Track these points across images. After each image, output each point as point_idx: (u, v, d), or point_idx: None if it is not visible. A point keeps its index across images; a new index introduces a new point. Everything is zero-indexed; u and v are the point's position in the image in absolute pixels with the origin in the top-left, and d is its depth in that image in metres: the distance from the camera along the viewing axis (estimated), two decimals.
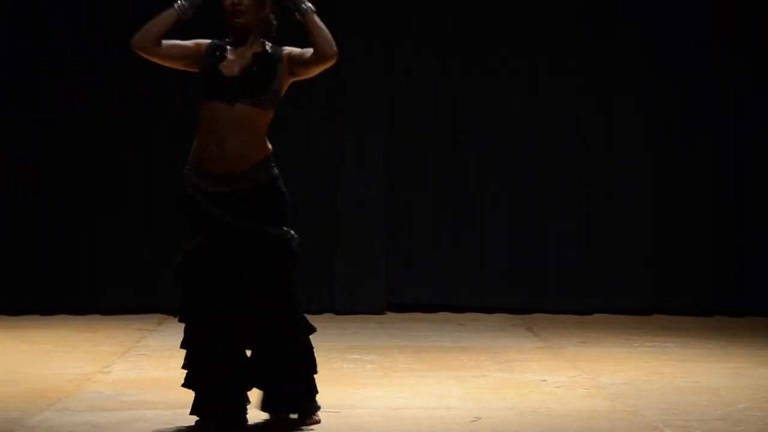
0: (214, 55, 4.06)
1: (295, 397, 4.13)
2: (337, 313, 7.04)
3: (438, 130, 7.23)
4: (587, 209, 7.18)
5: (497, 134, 7.20)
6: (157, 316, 6.81)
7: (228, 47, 4.10)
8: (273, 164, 4.10)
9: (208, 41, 4.13)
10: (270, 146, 4.12)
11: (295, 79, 4.12)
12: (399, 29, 7.19)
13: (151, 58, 4.11)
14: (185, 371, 4.11)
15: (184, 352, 4.13)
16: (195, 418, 4.10)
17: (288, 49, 4.12)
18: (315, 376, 4.18)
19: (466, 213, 7.18)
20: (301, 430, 4.07)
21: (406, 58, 7.21)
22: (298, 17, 4.03)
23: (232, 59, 4.07)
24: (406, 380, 5.06)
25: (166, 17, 4.06)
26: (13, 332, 6.32)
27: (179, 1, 4.06)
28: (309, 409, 4.15)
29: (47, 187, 6.98)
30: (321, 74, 4.15)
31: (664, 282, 7.15)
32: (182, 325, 4.14)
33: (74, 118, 7.04)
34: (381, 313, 7.07)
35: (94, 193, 6.99)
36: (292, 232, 4.06)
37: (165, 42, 4.09)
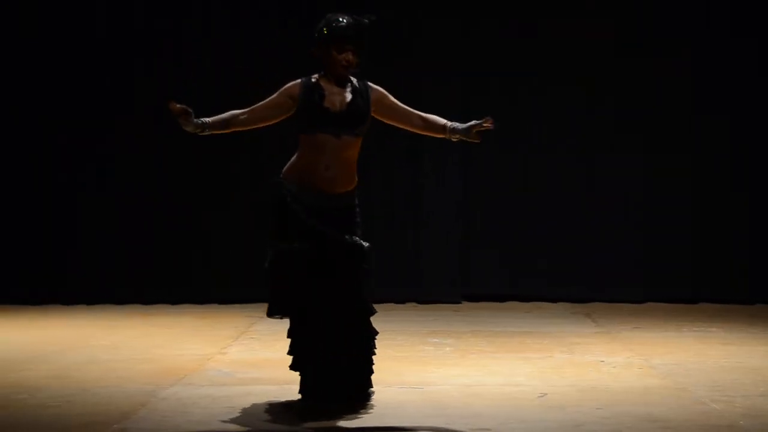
0: (314, 93, 3.95)
1: (360, 382, 4.03)
2: (420, 302, 7.01)
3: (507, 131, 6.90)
4: (641, 208, 6.98)
5: (558, 137, 7.00)
6: (265, 305, 6.81)
7: (321, 84, 3.97)
8: (356, 194, 4.06)
9: (298, 83, 3.98)
10: (356, 178, 4.07)
11: (374, 116, 4.05)
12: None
13: (249, 127, 4.04)
14: (291, 356, 4.10)
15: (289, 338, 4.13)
16: (301, 395, 4.08)
17: (375, 89, 4.01)
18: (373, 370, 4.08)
19: (532, 216, 7.04)
20: (371, 411, 3.96)
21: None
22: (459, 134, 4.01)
23: (330, 96, 3.95)
24: (479, 361, 5.01)
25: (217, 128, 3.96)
26: (146, 319, 6.39)
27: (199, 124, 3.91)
28: (367, 394, 4.06)
29: (172, 195, 6.94)
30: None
31: (709, 274, 6.96)
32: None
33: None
34: (457, 302, 7.02)
35: (211, 202, 6.96)
36: (366, 242, 4.02)
37: (255, 110, 3.97)
